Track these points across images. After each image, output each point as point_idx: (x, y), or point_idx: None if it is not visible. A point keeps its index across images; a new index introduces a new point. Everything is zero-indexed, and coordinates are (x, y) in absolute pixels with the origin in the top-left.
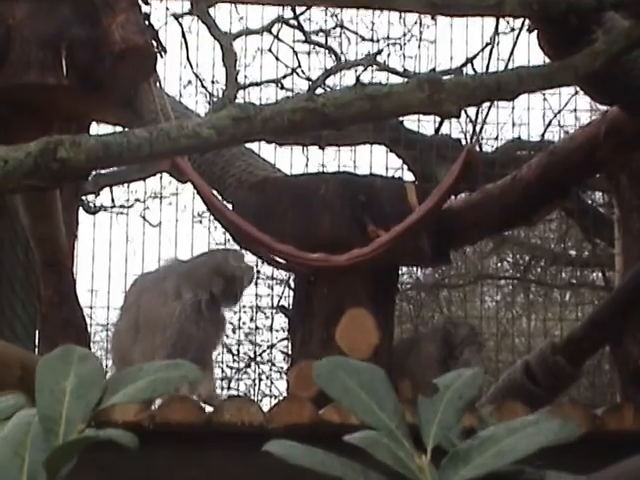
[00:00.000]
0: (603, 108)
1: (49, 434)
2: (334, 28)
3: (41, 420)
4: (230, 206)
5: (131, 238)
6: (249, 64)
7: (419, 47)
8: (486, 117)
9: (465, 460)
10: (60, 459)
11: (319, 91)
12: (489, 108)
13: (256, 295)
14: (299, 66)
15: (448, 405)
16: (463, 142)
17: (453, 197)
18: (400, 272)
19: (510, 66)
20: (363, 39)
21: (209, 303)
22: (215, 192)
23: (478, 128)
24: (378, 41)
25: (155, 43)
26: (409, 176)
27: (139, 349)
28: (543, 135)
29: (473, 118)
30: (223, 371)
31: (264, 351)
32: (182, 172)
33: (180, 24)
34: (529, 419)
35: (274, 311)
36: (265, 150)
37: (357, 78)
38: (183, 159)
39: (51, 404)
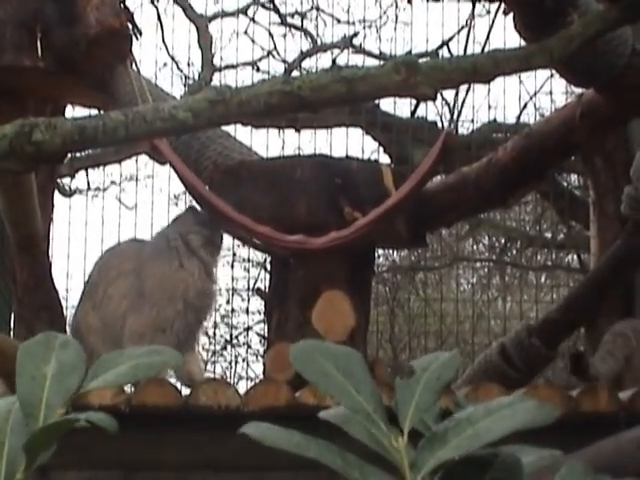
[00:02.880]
0: (579, 90)
1: (29, 419)
2: (310, 10)
3: (22, 405)
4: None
5: (106, 221)
6: (225, 46)
7: (395, 29)
8: (464, 100)
9: (442, 442)
10: (40, 443)
11: (295, 74)
12: (467, 91)
13: (232, 277)
14: (275, 48)
15: (425, 387)
16: (439, 125)
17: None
18: (376, 254)
19: (486, 49)
20: (339, 21)
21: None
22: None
23: (456, 111)
24: (354, 23)
25: (130, 25)
26: (385, 159)
27: (141, 321)
28: (519, 117)
29: (450, 101)
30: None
31: (240, 334)
32: (161, 154)
33: (155, 6)
34: (505, 401)
35: (250, 293)
36: (241, 133)
37: (333, 61)
38: (162, 140)
39: (32, 389)
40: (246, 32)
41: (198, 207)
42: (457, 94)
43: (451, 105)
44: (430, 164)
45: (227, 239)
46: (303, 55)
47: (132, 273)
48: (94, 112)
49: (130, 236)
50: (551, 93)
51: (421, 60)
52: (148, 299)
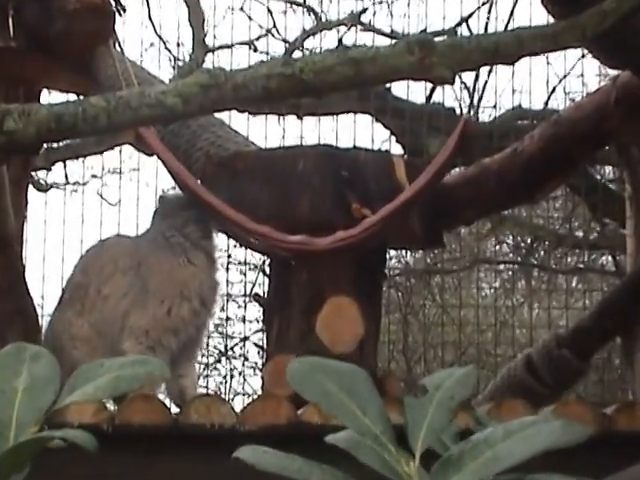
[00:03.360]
0: (613, 73)
1: None
2: None
3: None
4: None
5: (87, 218)
6: (219, 24)
7: (408, 5)
8: (485, 84)
9: (457, 466)
10: (11, 464)
11: (297, 55)
12: (488, 73)
13: (227, 282)
14: (274, 26)
15: (439, 406)
16: (458, 111)
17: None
18: (388, 256)
19: (510, 26)
20: None
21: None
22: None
23: (476, 96)
24: None
25: (113, 1)
26: (397, 149)
27: (147, 317)
28: (546, 103)
29: (470, 85)
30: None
31: (236, 344)
32: (147, 144)
33: None
34: (528, 420)
35: (247, 300)
36: (237, 121)
37: (339, 40)
38: (149, 129)
39: (1, 405)
40: (242, 8)
41: (168, 193)
42: (477, 77)
43: (471, 89)
44: (447, 155)
45: (221, 239)
46: (306, 34)
47: (131, 269)
48: (73, 98)
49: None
50: (582, 76)
51: (437, 39)
52: (154, 296)
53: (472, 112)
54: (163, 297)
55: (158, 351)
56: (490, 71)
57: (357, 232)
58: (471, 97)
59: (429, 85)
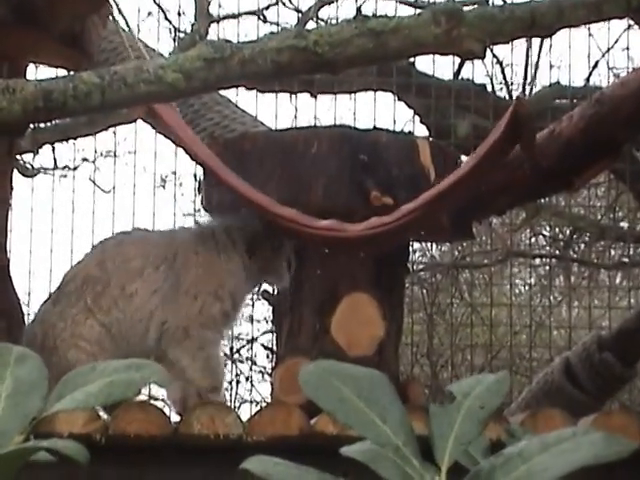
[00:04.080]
0: None
1: None
2: None
3: None
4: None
5: (78, 207)
6: None
7: None
8: (538, 59)
9: None
10: None
11: (311, 25)
12: (527, 48)
13: None
14: None
15: (467, 416)
16: (489, 88)
17: None
18: (411, 249)
19: None
20: None
21: None
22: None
23: (511, 73)
24: None
25: None
26: (422, 130)
27: (182, 314)
28: (588, 79)
29: (503, 59)
30: None
31: (243, 346)
32: (162, 119)
33: None
34: (566, 432)
35: (255, 297)
36: (244, 99)
37: (358, 9)
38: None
39: None
40: None
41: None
42: (513, 51)
43: (504, 64)
44: (497, 138)
45: None
46: (320, 2)
47: (165, 263)
48: (63, 73)
49: (112, 227)
50: (628, 49)
51: (466, 8)
52: (187, 292)
53: (506, 90)
54: (197, 293)
55: (209, 348)
56: (529, 45)
57: (393, 219)
58: (504, 73)
59: (457, 60)
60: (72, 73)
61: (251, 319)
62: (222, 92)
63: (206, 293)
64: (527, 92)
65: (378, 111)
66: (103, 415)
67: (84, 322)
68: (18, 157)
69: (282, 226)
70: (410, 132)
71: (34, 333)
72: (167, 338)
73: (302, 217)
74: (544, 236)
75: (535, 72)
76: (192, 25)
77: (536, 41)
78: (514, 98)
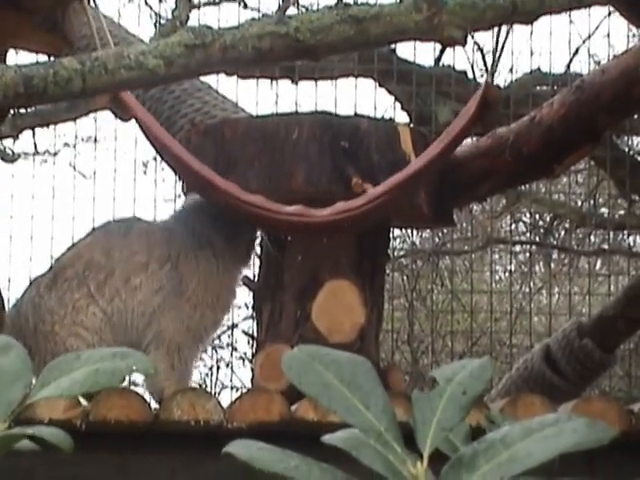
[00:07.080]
0: None
1: None
2: None
3: None
4: None
5: (58, 192)
6: None
7: None
8: (504, 44)
9: (470, 467)
10: None
11: (292, 12)
12: (506, 34)
13: None
14: None
15: (449, 402)
16: (470, 75)
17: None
18: (392, 235)
19: None
20: None
21: None
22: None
23: (490, 59)
24: None
25: None
26: (403, 117)
27: (182, 329)
28: (569, 66)
29: (484, 46)
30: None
31: (223, 332)
32: (126, 107)
33: None
34: (549, 418)
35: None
36: (225, 85)
37: None
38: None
39: None
40: None
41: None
42: (497, 38)
43: (485, 51)
44: (466, 122)
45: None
46: None
47: (169, 262)
48: (43, 59)
49: (92, 212)
50: (608, 36)
51: None
52: (189, 300)
53: (486, 76)
54: (197, 303)
55: (190, 363)
56: (507, 31)
57: (360, 204)
58: (485, 60)
59: (438, 46)
60: (53, 59)
61: None
62: (203, 78)
63: (205, 305)
64: (508, 79)
65: (359, 98)
66: (83, 402)
67: (86, 308)
68: None
69: (248, 212)
70: (391, 118)
71: (25, 317)
72: (158, 343)
73: (268, 203)
74: (524, 223)
75: (500, 56)
76: (173, 11)
77: (518, 28)
78: (483, 82)
